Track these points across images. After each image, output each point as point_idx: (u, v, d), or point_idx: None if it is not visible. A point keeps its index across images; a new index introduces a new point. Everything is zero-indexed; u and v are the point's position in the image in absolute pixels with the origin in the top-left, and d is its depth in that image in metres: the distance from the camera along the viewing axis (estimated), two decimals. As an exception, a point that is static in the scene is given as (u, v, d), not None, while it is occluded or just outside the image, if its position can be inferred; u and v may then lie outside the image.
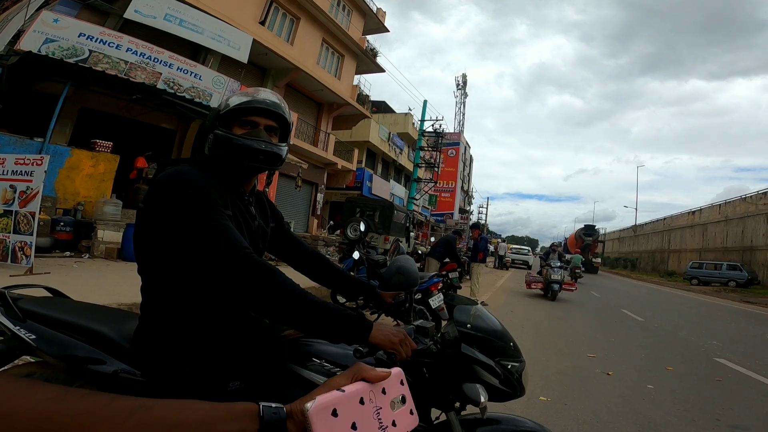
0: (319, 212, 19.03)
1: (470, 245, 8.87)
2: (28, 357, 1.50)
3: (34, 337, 1.32)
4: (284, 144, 1.27)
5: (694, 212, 36.19)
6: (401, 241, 9.58)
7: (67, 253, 7.40)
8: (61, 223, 7.51)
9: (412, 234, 15.29)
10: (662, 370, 4.70)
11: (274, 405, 0.47)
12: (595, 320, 8.46)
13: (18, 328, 1.34)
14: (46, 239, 7.03)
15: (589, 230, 35.02)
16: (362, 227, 7.00)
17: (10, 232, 5.39)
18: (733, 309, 13.56)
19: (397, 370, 0.58)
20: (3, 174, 5.59)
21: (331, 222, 21.03)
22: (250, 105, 1.20)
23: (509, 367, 1.36)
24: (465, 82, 48.77)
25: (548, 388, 3.62)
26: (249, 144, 1.18)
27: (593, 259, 32.19)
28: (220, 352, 1.19)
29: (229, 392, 1.17)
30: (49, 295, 1.63)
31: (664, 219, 42.68)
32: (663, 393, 3.85)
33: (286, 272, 1.12)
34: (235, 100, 1.21)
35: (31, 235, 5.34)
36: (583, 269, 22.02)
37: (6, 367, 1.50)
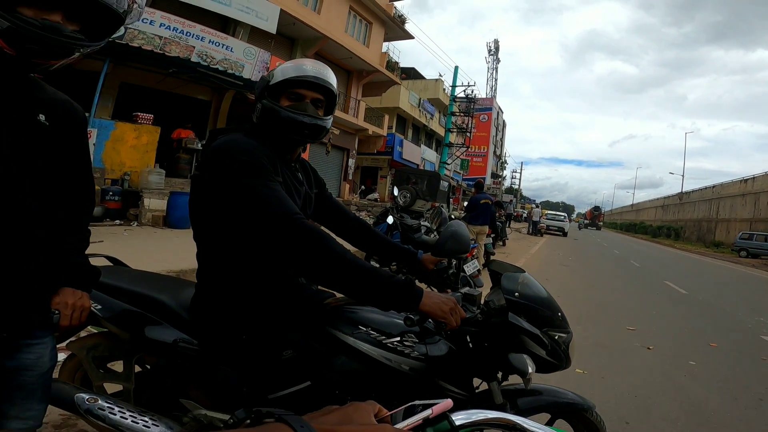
0: (350, 177, 19.41)
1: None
2: (91, 327, 1.55)
3: (99, 307, 1.36)
4: (329, 117, 1.28)
5: (746, 180, 33.89)
6: (443, 207, 9.67)
7: (117, 222, 7.81)
8: (110, 193, 7.89)
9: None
10: (705, 346, 4.56)
11: None
12: (636, 291, 8.22)
13: None
14: (98, 208, 7.40)
15: (596, 208, 63.03)
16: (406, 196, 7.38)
17: (65, 203, 5.70)
18: (784, 283, 12.80)
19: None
20: None
21: (363, 186, 21.33)
22: (299, 78, 1.20)
23: (556, 338, 1.32)
24: (497, 48, 48.14)
25: (585, 360, 3.58)
26: (294, 117, 1.19)
27: (598, 223, 58.97)
28: (272, 320, 1.22)
29: (283, 361, 1.20)
30: (110, 264, 1.68)
31: (713, 186, 40.27)
32: (705, 370, 3.75)
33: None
34: (283, 72, 1.22)
35: (85, 205, 5.64)
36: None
37: (71, 339, 1.59)
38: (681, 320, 5.87)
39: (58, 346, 1.17)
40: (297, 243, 1.03)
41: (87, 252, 1.21)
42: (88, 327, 1.54)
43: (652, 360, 3.91)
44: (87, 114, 9.10)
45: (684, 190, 48.34)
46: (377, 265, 1.19)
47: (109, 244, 5.73)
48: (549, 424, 1.57)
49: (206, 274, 1.26)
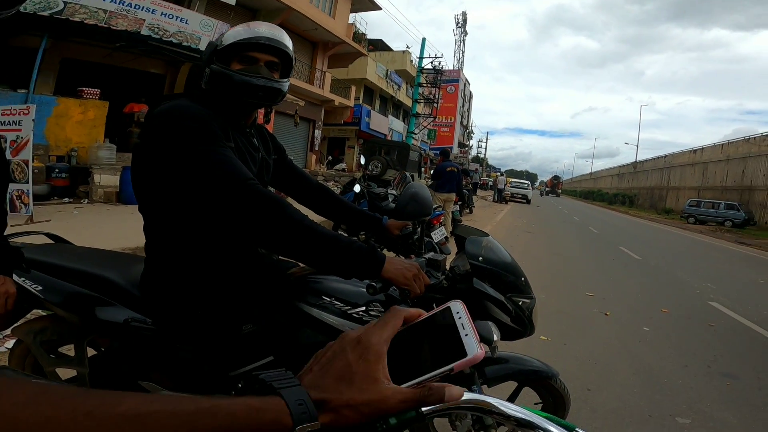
0: (317, 148, 19.31)
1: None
2: (39, 311, 1.47)
3: (40, 288, 1.28)
4: (285, 79, 1.22)
5: (695, 150, 35.83)
6: (409, 174, 9.80)
7: (66, 200, 7.39)
8: (56, 170, 7.49)
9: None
10: (657, 312, 4.84)
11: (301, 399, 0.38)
12: (594, 257, 8.65)
13: (23, 279, 1.29)
14: (43, 186, 7.00)
15: (556, 177, 75.22)
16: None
17: (5, 181, 5.31)
18: (727, 250, 13.71)
19: (456, 305, 0.49)
20: None
21: (330, 157, 21.20)
22: (251, 40, 1.13)
23: (520, 303, 1.32)
24: (465, 21, 48.38)
25: (548, 327, 3.72)
26: (248, 80, 1.13)
27: (558, 191, 69.44)
28: (230, 293, 1.18)
29: (243, 336, 1.16)
30: (51, 241, 1.57)
31: (665, 156, 42.34)
32: (658, 336, 3.98)
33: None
34: (233, 35, 1.14)
35: (27, 182, 5.30)
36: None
37: (18, 323, 1.48)
38: (635, 286, 6.22)
39: (3, 333, 1.07)
40: (251, 209, 0.97)
41: (26, 230, 1.11)
42: (34, 310, 1.44)
43: (609, 326, 4.13)
44: (25, 91, 8.52)
45: (638, 160, 50.54)
46: (344, 234, 1.13)
47: (58, 222, 5.41)
48: (516, 392, 1.61)
49: (155, 247, 1.18)
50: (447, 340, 0.44)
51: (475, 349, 0.42)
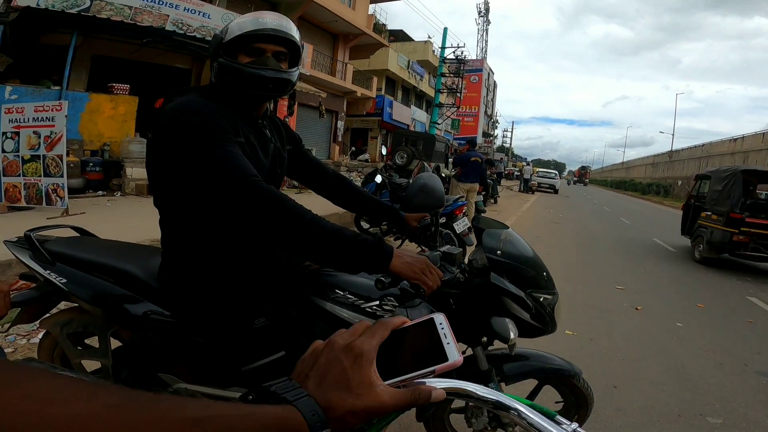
0: (340, 139, 19.42)
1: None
2: (64, 303, 1.50)
3: (65, 281, 1.31)
4: (294, 69, 1.20)
5: (735, 139, 34.00)
6: (427, 164, 9.82)
7: (100, 193, 7.68)
8: (91, 164, 7.77)
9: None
10: (692, 307, 4.63)
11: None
12: (625, 249, 8.33)
13: (48, 272, 1.33)
14: (78, 180, 7.27)
15: (583, 168, 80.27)
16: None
17: (40, 176, 5.57)
18: None
19: (438, 317, 0.52)
20: (24, 122, 5.70)
21: (353, 148, 21.34)
22: (257, 32, 1.11)
23: (541, 299, 1.26)
24: (488, 10, 47.56)
25: (574, 321, 3.61)
26: (256, 73, 1.11)
27: (585, 180, 72.24)
28: (243, 287, 1.18)
29: (256, 330, 1.16)
30: (76, 234, 1.61)
31: (702, 145, 40.40)
32: (692, 332, 3.80)
33: (309, 197, 1.05)
34: (238, 27, 1.13)
35: (62, 177, 5.51)
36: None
37: (46, 316, 1.53)
38: (669, 279, 5.96)
39: (33, 326, 1.12)
40: (252, 206, 0.96)
41: (55, 223, 1.15)
42: (62, 302, 1.48)
43: (640, 321, 3.97)
44: (59, 87, 8.89)
45: (674, 149, 48.50)
46: (367, 226, 1.11)
47: (92, 215, 5.62)
48: (536, 390, 1.56)
49: (170, 241, 1.20)
50: (428, 346, 0.48)
51: (455, 356, 0.47)
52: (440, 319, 0.51)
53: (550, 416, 0.49)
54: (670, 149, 49.59)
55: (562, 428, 0.46)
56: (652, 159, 57.43)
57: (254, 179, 0.98)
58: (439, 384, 0.47)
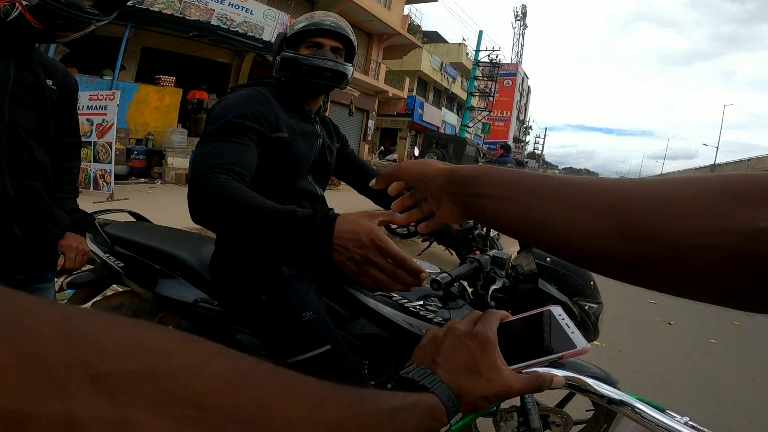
0: (370, 138, 19.48)
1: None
2: (116, 286, 1.55)
3: (122, 265, 1.35)
4: (350, 64, 1.27)
5: (786, 154, 32.21)
6: None
7: (142, 180, 8.02)
8: (135, 152, 8.12)
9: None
10: (728, 324, 4.45)
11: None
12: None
13: (107, 255, 1.37)
14: (123, 167, 7.61)
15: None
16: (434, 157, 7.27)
17: (90, 161, 5.86)
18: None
19: (556, 309, 0.53)
20: (79, 110, 5.94)
21: (382, 147, 21.39)
22: (315, 27, 1.21)
23: (586, 308, 1.27)
24: (525, 14, 46.80)
25: (604, 332, 3.48)
26: (316, 62, 1.18)
27: None
28: (292, 280, 1.18)
29: (303, 323, 1.15)
30: (133, 219, 1.65)
31: (749, 160, 38.40)
32: (726, 349, 3.67)
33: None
34: (300, 24, 1.22)
35: (110, 163, 5.79)
36: None
37: (97, 298, 1.56)
38: (704, 296, 5.74)
39: (83, 306, 1.24)
40: (198, 196, 0.86)
41: (109, 207, 1.29)
42: (113, 285, 1.55)
43: (672, 335, 3.86)
44: (111, 78, 9.27)
45: (717, 162, 46.36)
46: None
47: (134, 201, 5.87)
48: (568, 397, 1.56)
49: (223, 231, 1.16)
50: (552, 334, 0.50)
51: (583, 343, 0.47)
52: (559, 311, 0.52)
53: (661, 411, 0.51)
54: (713, 162, 47.43)
55: (676, 420, 0.48)
56: (692, 173, 55.14)
57: (213, 173, 0.87)
58: (559, 373, 0.50)
